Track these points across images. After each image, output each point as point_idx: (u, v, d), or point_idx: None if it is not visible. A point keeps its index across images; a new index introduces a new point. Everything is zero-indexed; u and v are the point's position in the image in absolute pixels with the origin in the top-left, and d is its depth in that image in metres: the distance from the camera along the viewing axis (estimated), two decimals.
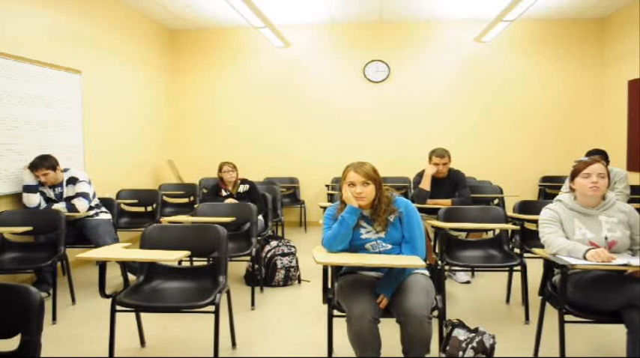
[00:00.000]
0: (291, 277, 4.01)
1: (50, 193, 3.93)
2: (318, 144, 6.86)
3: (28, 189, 3.85)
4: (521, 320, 3.16)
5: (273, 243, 4.08)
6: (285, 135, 6.92)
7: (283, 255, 4.01)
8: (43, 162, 3.83)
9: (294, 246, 4.16)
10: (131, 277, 2.87)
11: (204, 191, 5.50)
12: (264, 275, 3.95)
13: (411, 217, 2.32)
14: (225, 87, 6.97)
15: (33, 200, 3.83)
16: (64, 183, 3.94)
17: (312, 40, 6.80)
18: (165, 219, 4.10)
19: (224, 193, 4.54)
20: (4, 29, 3.92)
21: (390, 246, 2.31)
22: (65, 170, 3.99)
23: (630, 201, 4.53)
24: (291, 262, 4.03)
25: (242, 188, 4.56)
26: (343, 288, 2.28)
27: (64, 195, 3.92)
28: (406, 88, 6.74)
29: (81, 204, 3.87)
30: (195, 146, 7.04)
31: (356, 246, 2.33)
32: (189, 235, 2.76)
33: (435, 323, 2.15)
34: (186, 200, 5.69)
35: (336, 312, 2.29)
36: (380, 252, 2.30)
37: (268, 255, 3.99)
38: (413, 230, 2.30)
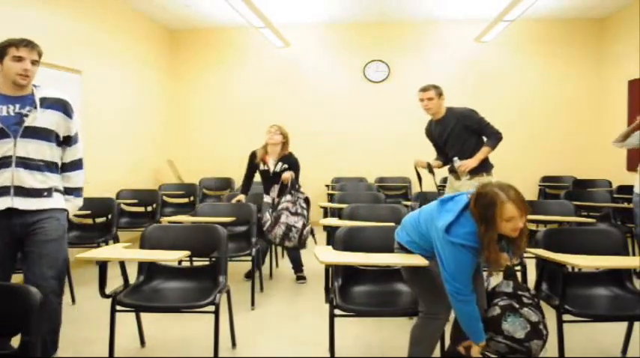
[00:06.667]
0: (290, 238, 3.73)
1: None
2: (318, 144, 6.85)
3: None
4: None
5: (288, 197, 3.82)
6: None
7: (292, 213, 3.76)
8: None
9: (306, 209, 3.89)
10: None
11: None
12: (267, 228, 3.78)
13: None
14: (225, 87, 6.96)
15: None
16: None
17: (312, 40, 6.80)
18: (165, 219, 4.10)
19: (262, 167, 4.05)
20: (4, 29, 3.92)
21: None
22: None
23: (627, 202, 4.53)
24: (296, 223, 3.75)
25: (279, 166, 4.00)
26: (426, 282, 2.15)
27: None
28: (406, 88, 6.70)
29: None
30: (196, 146, 7.04)
31: None
32: (189, 235, 2.77)
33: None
34: (186, 200, 5.69)
35: (337, 312, 2.28)
36: None
37: (278, 207, 3.80)
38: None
